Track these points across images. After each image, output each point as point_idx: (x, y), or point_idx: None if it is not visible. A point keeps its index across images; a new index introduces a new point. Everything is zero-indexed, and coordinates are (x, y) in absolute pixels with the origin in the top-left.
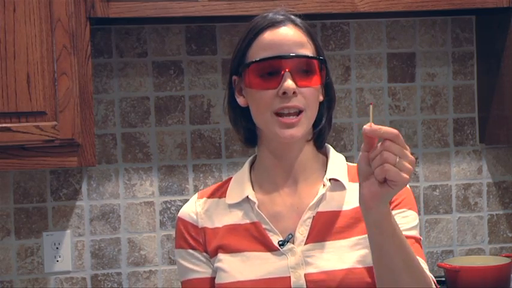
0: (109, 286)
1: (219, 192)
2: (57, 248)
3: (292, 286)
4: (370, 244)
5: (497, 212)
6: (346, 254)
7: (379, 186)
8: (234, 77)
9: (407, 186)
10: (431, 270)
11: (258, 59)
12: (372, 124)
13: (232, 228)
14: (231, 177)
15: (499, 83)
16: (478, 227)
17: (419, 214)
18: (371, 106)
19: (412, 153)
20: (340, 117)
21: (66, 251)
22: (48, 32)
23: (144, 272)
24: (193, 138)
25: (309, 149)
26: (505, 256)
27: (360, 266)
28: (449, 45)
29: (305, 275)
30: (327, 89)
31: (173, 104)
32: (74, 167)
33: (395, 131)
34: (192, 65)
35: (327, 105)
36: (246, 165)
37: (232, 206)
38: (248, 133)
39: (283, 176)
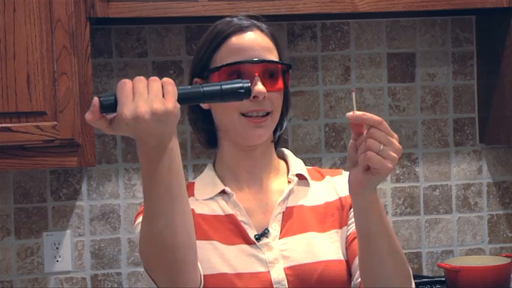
0: (109, 286)
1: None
2: (57, 248)
3: (272, 280)
4: (356, 229)
5: (497, 212)
6: (321, 247)
7: (362, 174)
8: (196, 80)
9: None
10: (431, 270)
11: (228, 63)
12: (356, 111)
13: (206, 219)
14: (193, 182)
15: (499, 83)
16: (478, 227)
17: (419, 214)
18: (353, 93)
19: (400, 142)
20: (340, 117)
21: (66, 251)
22: (48, 32)
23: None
24: (193, 138)
25: (270, 150)
26: (505, 256)
27: (336, 259)
28: (449, 45)
29: (284, 269)
30: (285, 93)
31: None
32: (74, 167)
33: (378, 117)
34: None
35: (285, 109)
36: (209, 168)
37: (203, 201)
38: (208, 135)
39: (248, 175)
